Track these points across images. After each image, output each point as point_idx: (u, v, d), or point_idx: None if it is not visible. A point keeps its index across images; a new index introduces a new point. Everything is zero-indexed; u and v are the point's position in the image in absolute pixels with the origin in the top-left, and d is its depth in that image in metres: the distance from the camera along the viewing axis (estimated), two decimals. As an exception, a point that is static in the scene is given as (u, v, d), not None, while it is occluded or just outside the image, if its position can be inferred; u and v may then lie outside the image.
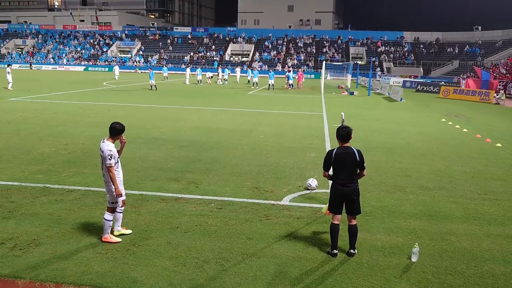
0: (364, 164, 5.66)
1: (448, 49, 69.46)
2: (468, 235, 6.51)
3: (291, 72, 41.75)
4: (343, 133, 5.64)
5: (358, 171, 5.69)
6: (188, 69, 44.14)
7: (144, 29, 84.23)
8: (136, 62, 71.60)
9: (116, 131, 5.76)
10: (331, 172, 5.79)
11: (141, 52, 76.82)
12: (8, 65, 31.13)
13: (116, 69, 47.08)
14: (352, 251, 5.73)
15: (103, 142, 5.75)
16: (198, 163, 10.36)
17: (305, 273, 5.21)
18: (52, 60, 75.13)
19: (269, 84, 36.87)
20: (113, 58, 74.60)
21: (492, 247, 6.13)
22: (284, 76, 41.55)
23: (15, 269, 5.07)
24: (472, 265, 5.56)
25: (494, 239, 6.40)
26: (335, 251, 5.71)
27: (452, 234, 6.54)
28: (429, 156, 12.04)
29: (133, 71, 64.34)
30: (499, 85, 37.42)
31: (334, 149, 5.70)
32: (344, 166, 5.59)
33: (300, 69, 49.55)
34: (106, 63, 73.22)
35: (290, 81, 39.15)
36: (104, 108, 20.36)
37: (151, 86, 32.57)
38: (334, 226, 5.71)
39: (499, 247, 6.12)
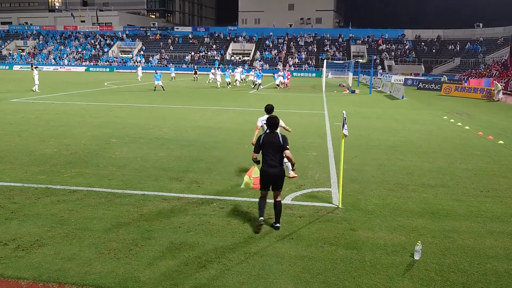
0: (288, 146, 6.43)
1: (450, 47, 69.32)
2: (471, 233, 6.50)
3: (285, 71, 41.90)
4: (271, 123, 6.56)
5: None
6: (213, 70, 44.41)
7: (145, 29, 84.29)
8: (137, 62, 71.63)
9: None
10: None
11: (142, 52, 76.89)
12: (36, 67, 31.45)
13: (139, 69, 47.00)
14: (277, 225, 6.50)
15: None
16: (200, 163, 10.36)
17: (308, 272, 5.20)
18: (53, 61, 75.27)
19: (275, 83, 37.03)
20: (114, 58, 74.64)
21: (495, 244, 6.12)
22: (275, 75, 41.44)
23: (18, 269, 5.08)
24: (475, 262, 5.54)
25: (497, 237, 6.38)
26: (262, 219, 6.40)
27: (454, 232, 6.53)
28: (431, 154, 12.02)
29: (135, 71, 64.33)
30: (501, 82, 37.32)
31: (262, 134, 6.57)
32: (270, 149, 6.42)
33: (285, 69, 49.80)
34: (107, 63, 73.31)
35: (285, 81, 39.03)
36: (106, 109, 20.37)
37: (155, 87, 32.26)
38: (261, 201, 6.55)
39: (502, 245, 6.10)
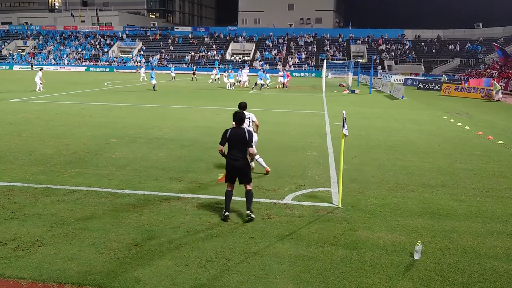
0: (252, 143, 6.75)
1: (449, 47, 69.35)
2: (471, 233, 6.50)
3: (284, 71, 41.95)
4: (238, 118, 6.81)
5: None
6: (216, 70, 44.50)
7: (144, 29, 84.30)
8: (138, 62, 71.62)
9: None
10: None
11: (142, 52, 76.90)
12: (41, 69, 31.69)
13: (142, 70, 46.64)
14: (248, 212, 6.64)
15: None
16: (200, 163, 10.37)
17: (308, 272, 5.20)
18: (53, 61, 75.29)
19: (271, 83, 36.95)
20: (114, 58, 74.64)
21: (495, 244, 6.12)
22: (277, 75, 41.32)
23: (18, 269, 5.08)
24: (475, 262, 5.55)
25: (497, 237, 6.38)
26: (227, 213, 6.67)
27: (454, 231, 6.53)
28: (431, 154, 12.02)
29: (135, 71, 64.41)
30: (501, 82, 37.32)
31: (229, 129, 6.79)
32: (236, 143, 6.67)
33: (285, 69, 49.90)
34: (107, 63, 73.30)
35: (284, 81, 38.92)
36: (106, 109, 20.37)
37: (154, 86, 32.29)
38: (228, 192, 6.77)
39: (502, 245, 6.10)
